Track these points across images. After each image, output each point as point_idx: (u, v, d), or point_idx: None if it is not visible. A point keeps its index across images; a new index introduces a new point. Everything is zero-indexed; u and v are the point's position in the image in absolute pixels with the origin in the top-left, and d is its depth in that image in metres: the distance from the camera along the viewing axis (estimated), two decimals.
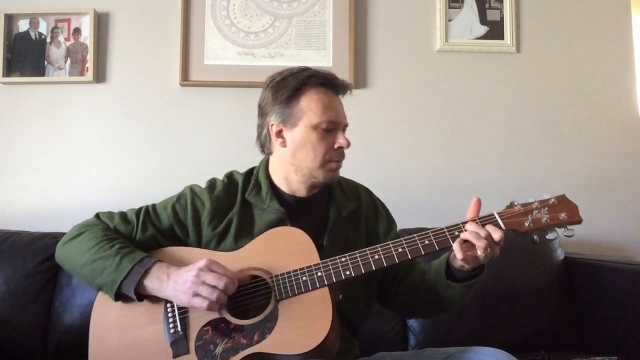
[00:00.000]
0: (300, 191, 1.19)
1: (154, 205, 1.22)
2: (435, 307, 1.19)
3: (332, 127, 1.14)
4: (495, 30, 2.11)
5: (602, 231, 2.07)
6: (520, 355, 1.09)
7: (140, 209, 1.21)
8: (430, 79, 2.10)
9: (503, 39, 2.11)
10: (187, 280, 1.02)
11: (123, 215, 1.20)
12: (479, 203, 1.08)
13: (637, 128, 2.14)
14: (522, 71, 2.12)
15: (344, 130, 1.18)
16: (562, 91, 2.13)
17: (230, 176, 1.25)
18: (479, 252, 1.00)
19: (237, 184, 1.22)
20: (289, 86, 1.14)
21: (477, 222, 1.04)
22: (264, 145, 1.22)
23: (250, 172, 1.26)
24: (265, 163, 1.24)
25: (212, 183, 1.23)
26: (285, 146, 1.16)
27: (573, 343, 1.74)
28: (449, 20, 2.10)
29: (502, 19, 2.11)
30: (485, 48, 2.10)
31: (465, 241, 1.02)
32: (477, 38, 2.10)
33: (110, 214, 1.20)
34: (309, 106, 1.13)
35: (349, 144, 1.15)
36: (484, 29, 2.11)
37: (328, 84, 1.16)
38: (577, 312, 1.78)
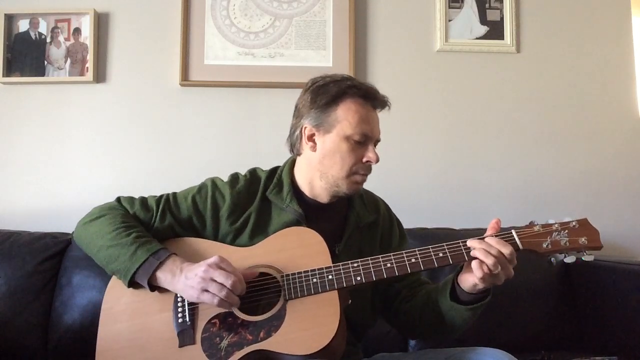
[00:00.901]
0: (322, 197, 1.20)
1: (174, 194, 1.23)
2: (437, 330, 1.17)
3: (364, 140, 1.14)
4: (495, 30, 2.11)
5: (602, 231, 2.05)
6: (520, 355, 1.09)
7: (160, 197, 1.22)
8: (430, 79, 2.09)
9: (503, 39, 2.11)
10: (196, 275, 1.03)
11: (143, 201, 1.21)
12: (499, 224, 1.07)
13: (637, 128, 2.14)
14: (522, 71, 2.12)
15: (375, 145, 1.18)
16: (562, 91, 2.13)
17: (253, 172, 1.26)
18: (491, 269, 0.99)
19: (259, 180, 1.23)
20: (329, 92, 1.14)
21: (485, 241, 1.02)
22: (294, 146, 1.22)
23: (274, 171, 1.26)
24: (291, 163, 1.25)
25: (234, 177, 1.24)
26: (314, 151, 1.17)
27: (573, 343, 1.74)
28: (449, 20, 2.10)
29: (502, 19, 2.11)
30: (485, 48, 2.10)
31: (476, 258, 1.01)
32: (477, 38, 2.10)
33: (131, 199, 1.22)
34: (345, 116, 1.13)
35: (377, 159, 1.15)
36: (484, 29, 2.11)
37: (368, 97, 1.16)
38: (577, 312, 1.78)
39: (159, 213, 1.18)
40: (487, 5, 2.12)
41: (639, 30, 2.18)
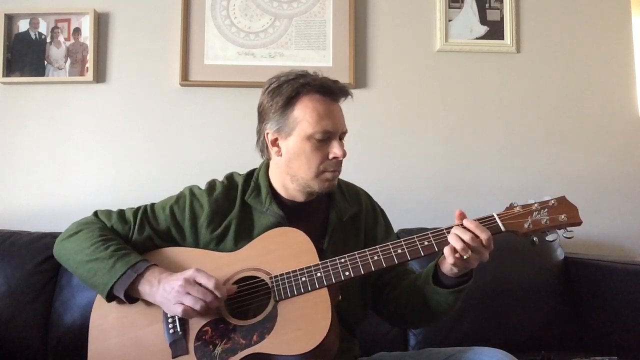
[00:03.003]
0: (298, 197, 1.19)
1: (152, 205, 1.21)
2: (424, 316, 1.17)
3: (327, 137, 1.11)
4: (495, 30, 2.11)
5: (602, 231, 2.07)
6: (520, 355, 1.09)
7: (138, 209, 1.20)
8: (430, 79, 2.09)
9: (503, 39, 2.11)
10: (173, 288, 1.02)
11: (121, 214, 1.20)
12: (462, 216, 1.06)
13: (637, 128, 2.14)
14: (522, 71, 2.12)
15: (342, 138, 1.16)
16: (562, 91, 2.13)
17: (230, 178, 1.25)
18: (461, 254, 0.99)
19: (237, 186, 1.22)
20: (284, 94, 1.11)
21: (462, 227, 1.02)
22: (263, 151, 1.21)
23: (250, 174, 1.25)
24: (266, 165, 1.23)
25: (211, 185, 1.23)
26: (280, 155, 1.15)
27: (573, 343, 1.74)
28: (449, 20, 2.10)
29: (502, 19, 2.11)
30: (485, 48, 2.10)
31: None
32: (477, 38, 2.10)
33: (108, 213, 1.20)
34: (304, 116, 1.10)
35: (344, 154, 1.12)
36: (484, 29, 2.11)
37: (324, 91, 1.12)
38: (577, 312, 1.78)
39: (136, 225, 1.16)
40: (487, 5, 2.12)
41: (639, 30, 2.18)
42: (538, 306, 1.75)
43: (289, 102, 1.11)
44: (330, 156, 1.12)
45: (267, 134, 1.16)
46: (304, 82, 1.12)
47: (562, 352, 1.63)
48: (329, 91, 1.13)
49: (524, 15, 2.14)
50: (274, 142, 1.15)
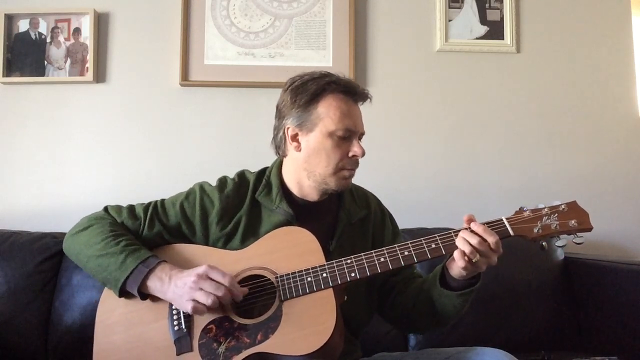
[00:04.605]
0: (312, 196, 1.19)
1: (162, 201, 1.22)
2: (430, 319, 1.17)
3: (348, 135, 1.14)
4: (495, 30, 2.11)
5: (602, 231, 2.07)
6: (520, 355, 1.09)
7: (149, 204, 1.21)
8: (430, 79, 2.09)
9: (503, 39, 2.11)
10: (185, 284, 1.03)
11: (131, 209, 1.20)
12: (470, 220, 1.06)
13: (637, 128, 2.14)
14: (522, 71, 2.12)
15: (360, 139, 1.18)
16: (562, 91, 2.13)
17: (241, 175, 1.25)
18: (469, 257, 1.00)
19: (248, 183, 1.22)
20: (309, 91, 1.13)
21: (470, 230, 1.03)
22: (279, 148, 1.21)
23: (262, 172, 1.25)
24: (279, 164, 1.24)
25: (222, 182, 1.23)
26: (299, 150, 1.16)
27: (573, 343, 1.74)
28: (449, 20, 2.10)
29: (502, 19, 2.11)
30: (485, 48, 2.10)
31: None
32: (477, 38, 2.10)
33: (118, 208, 1.21)
34: (327, 112, 1.13)
35: (363, 153, 1.15)
36: (484, 29, 2.11)
37: (348, 92, 1.15)
38: (577, 312, 1.78)
39: (147, 221, 1.17)
40: (487, 5, 2.12)
41: (639, 30, 2.18)
42: (538, 306, 1.75)
43: (314, 99, 1.13)
44: (350, 154, 1.14)
45: (288, 129, 1.16)
46: (330, 81, 1.14)
47: (562, 352, 1.63)
48: (352, 92, 1.16)
49: (524, 15, 2.14)
50: (294, 137, 1.16)
